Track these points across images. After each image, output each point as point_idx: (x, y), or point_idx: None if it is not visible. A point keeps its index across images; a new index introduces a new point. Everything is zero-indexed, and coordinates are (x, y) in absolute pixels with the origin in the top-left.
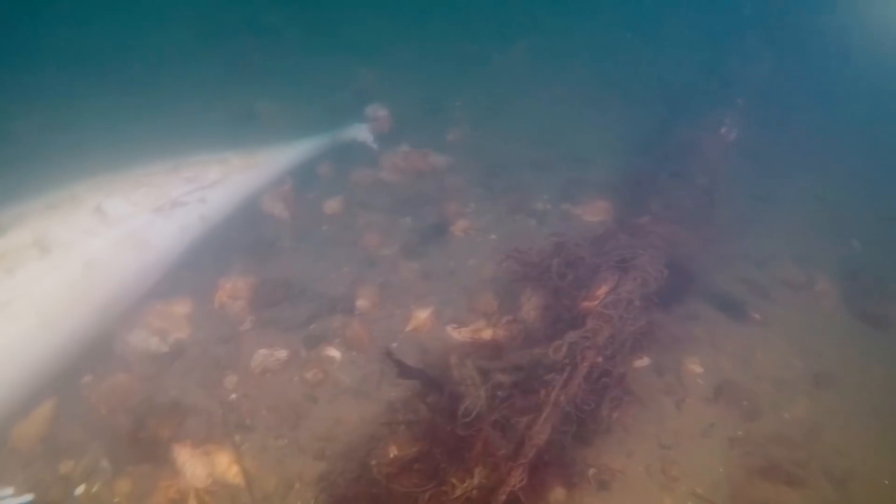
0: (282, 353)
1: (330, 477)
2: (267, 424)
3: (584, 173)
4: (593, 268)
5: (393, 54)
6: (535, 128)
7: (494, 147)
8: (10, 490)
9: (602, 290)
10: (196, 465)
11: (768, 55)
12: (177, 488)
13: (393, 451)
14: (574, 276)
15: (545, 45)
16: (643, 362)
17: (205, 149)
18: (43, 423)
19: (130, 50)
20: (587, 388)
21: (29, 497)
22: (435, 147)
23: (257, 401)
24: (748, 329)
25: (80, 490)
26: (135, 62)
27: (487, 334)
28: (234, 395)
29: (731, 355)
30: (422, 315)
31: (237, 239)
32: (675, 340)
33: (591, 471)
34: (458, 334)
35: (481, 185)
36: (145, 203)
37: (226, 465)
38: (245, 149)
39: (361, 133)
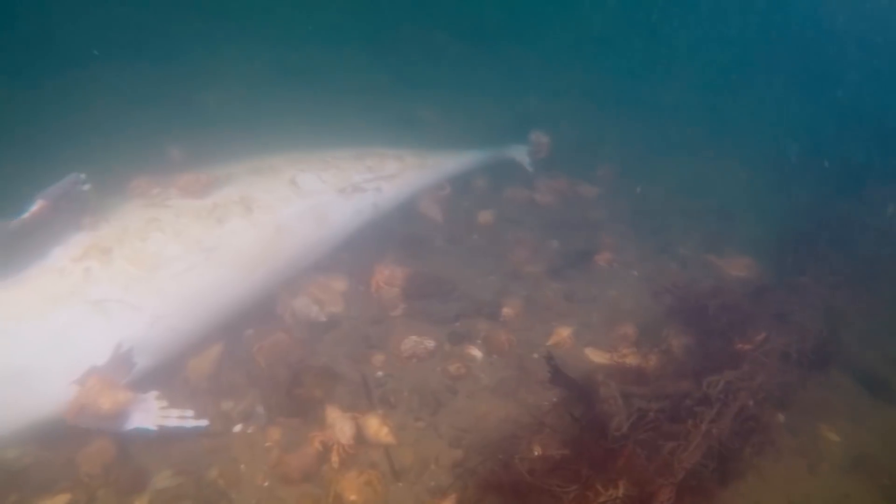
0: (430, 343)
1: (466, 464)
2: (408, 405)
3: (730, 228)
4: (748, 315)
5: (557, 86)
6: (685, 176)
7: (643, 188)
8: (191, 412)
9: (760, 337)
10: (345, 424)
11: None
12: (322, 440)
13: (537, 450)
14: (727, 319)
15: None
16: (779, 418)
17: (379, 143)
18: (211, 362)
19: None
20: (733, 428)
21: (205, 423)
22: (585, 179)
23: (401, 382)
24: (892, 410)
25: (237, 428)
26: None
27: (632, 361)
28: (380, 373)
29: (872, 431)
30: (563, 332)
31: (393, 231)
32: (814, 404)
33: None
34: (599, 357)
35: (626, 223)
36: (332, 183)
37: (376, 427)
38: (418, 150)
39: (520, 154)
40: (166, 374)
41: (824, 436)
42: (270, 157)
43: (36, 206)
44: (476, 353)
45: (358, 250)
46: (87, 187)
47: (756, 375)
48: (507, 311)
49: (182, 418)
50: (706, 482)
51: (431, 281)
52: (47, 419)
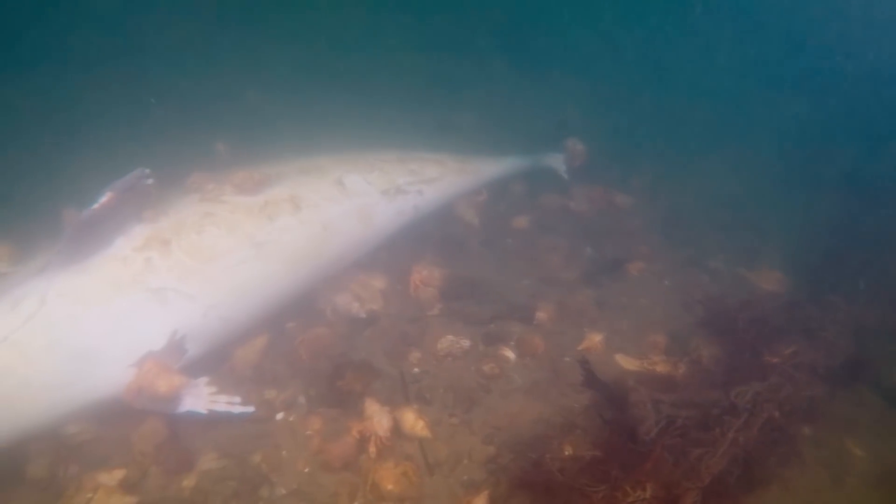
0: (465, 343)
1: (498, 461)
2: (443, 402)
3: (762, 241)
4: (777, 329)
5: (594, 95)
6: (717, 188)
7: (675, 199)
8: (238, 399)
9: (789, 350)
10: (383, 417)
11: None
12: (360, 431)
13: (568, 450)
14: (757, 332)
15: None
16: (804, 431)
17: (418, 147)
18: (256, 352)
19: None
20: (759, 438)
21: (251, 409)
22: (619, 188)
23: (437, 379)
24: None
25: (279, 416)
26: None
27: (661, 369)
28: (416, 370)
29: None
30: (595, 338)
31: (430, 232)
32: (840, 419)
33: None
34: (629, 363)
35: (659, 233)
36: (377, 184)
37: (412, 421)
38: (457, 155)
39: (556, 162)
40: (213, 362)
41: (849, 450)
42: (317, 157)
43: (105, 197)
44: (509, 354)
45: (396, 250)
46: (150, 182)
47: (783, 388)
48: (540, 314)
49: (230, 404)
50: (731, 489)
51: (467, 283)
52: (106, 398)
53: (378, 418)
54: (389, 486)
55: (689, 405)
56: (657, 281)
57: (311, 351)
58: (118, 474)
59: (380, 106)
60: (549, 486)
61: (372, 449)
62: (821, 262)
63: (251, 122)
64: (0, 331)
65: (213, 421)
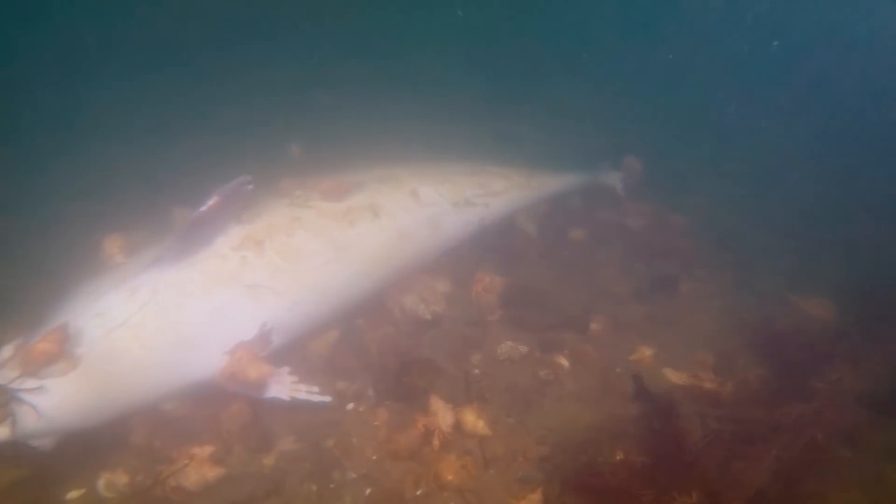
0: (523, 348)
1: (551, 460)
2: (501, 402)
3: (813, 267)
4: (824, 355)
5: (655, 114)
6: (772, 212)
7: (729, 220)
8: (316, 388)
9: (834, 376)
10: (446, 413)
11: None
12: (425, 424)
13: (619, 455)
14: (803, 357)
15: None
16: (845, 454)
17: (482, 158)
18: (329, 346)
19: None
20: (801, 457)
21: (328, 398)
22: (674, 207)
23: (496, 380)
24: None
25: (350, 406)
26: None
27: (708, 385)
28: (477, 371)
29: None
30: (646, 352)
31: (491, 241)
32: (882, 446)
33: None
34: (677, 377)
35: (711, 253)
36: (447, 196)
37: (473, 420)
38: (521, 169)
39: (614, 179)
40: (287, 353)
41: (889, 477)
42: (393, 167)
43: (212, 200)
44: (564, 361)
45: (458, 256)
46: (250, 188)
47: (827, 412)
48: (594, 326)
49: (310, 393)
50: (772, 502)
51: (526, 292)
52: (202, 381)
53: (441, 414)
54: (450, 477)
55: (734, 421)
56: (707, 300)
57: (380, 347)
58: (208, 449)
59: (442, 110)
60: (600, 487)
61: (435, 442)
62: (870, 292)
63: (320, 122)
64: (120, 315)
65: (291, 407)
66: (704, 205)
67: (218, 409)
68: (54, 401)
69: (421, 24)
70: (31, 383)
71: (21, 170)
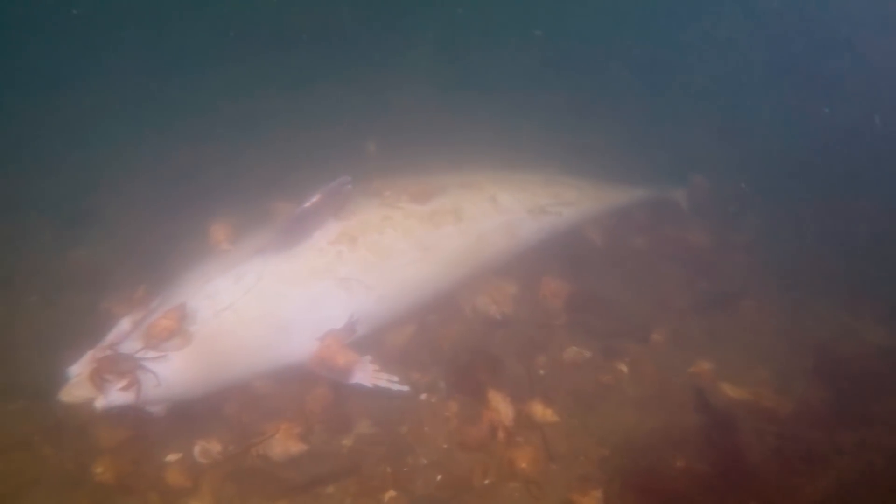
0: (587, 353)
1: (612, 462)
2: (564, 403)
3: (879, 294)
4: (887, 380)
5: (725, 132)
6: (835, 233)
7: (793, 241)
8: (396, 378)
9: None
10: (510, 408)
11: None
12: (491, 419)
13: (680, 463)
14: (866, 381)
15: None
16: None
17: (555, 169)
18: (405, 339)
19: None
20: (859, 480)
21: (407, 388)
22: (737, 226)
23: (560, 382)
24: None
25: (423, 396)
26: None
27: (768, 403)
28: (542, 372)
29: None
30: (704, 365)
31: (556, 248)
32: None
33: None
34: (735, 392)
35: (772, 273)
36: (524, 203)
37: (542, 410)
38: (593, 181)
39: (680, 195)
40: (366, 343)
41: None
42: (473, 173)
43: (315, 197)
44: (625, 369)
45: (526, 260)
46: (349, 187)
47: (887, 438)
48: (655, 337)
49: (390, 381)
50: None
51: (591, 299)
52: (293, 364)
53: (504, 409)
54: (523, 465)
55: (794, 439)
56: (766, 320)
57: (452, 343)
58: (291, 427)
59: (513, 118)
60: (661, 491)
61: (501, 435)
62: None
63: (395, 120)
64: (227, 298)
65: (367, 393)
66: (768, 224)
67: (302, 390)
68: (171, 371)
69: (496, 28)
70: (153, 355)
71: (145, 159)
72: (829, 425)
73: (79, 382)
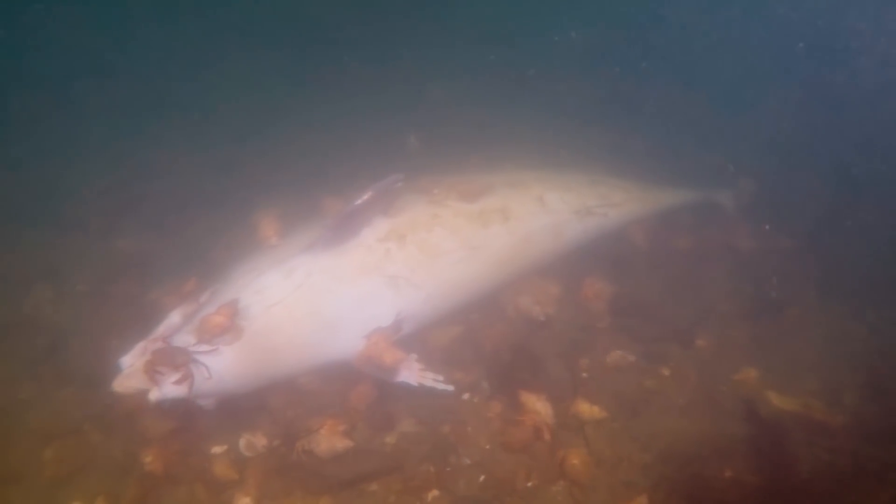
0: (631, 358)
1: (656, 468)
2: (607, 407)
3: None
4: None
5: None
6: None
7: (841, 250)
8: (441, 377)
9: None
10: (550, 409)
11: None
12: (535, 421)
13: (728, 472)
14: None
15: None
16: None
17: (600, 169)
18: (448, 339)
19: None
20: None
21: (451, 388)
22: (783, 231)
23: (603, 385)
24: None
25: (466, 396)
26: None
27: (818, 415)
28: (584, 374)
29: None
30: (750, 373)
31: (599, 249)
32: None
33: None
34: (783, 402)
35: (820, 280)
36: (571, 204)
37: (588, 408)
38: (639, 182)
39: (726, 198)
40: (410, 341)
41: None
42: (520, 172)
43: (367, 195)
44: (668, 373)
45: (570, 261)
46: (400, 185)
47: None
48: (699, 342)
49: (435, 381)
50: None
51: (634, 302)
52: (339, 361)
53: (546, 411)
54: (575, 461)
55: (846, 454)
56: (814, 327)
57: (495, 343)
58: (334, 423)
59: (550, 116)
60: (708, 501)
61: (546, 436)
62: None
63: (435, 113)
64: (277, 294)
65: (410, 391)
66: (817, 230)
67: (345, 387)
68: (222, 366)
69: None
70: (205, 349)
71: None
72: (883, 441)
73: (132, 373)
